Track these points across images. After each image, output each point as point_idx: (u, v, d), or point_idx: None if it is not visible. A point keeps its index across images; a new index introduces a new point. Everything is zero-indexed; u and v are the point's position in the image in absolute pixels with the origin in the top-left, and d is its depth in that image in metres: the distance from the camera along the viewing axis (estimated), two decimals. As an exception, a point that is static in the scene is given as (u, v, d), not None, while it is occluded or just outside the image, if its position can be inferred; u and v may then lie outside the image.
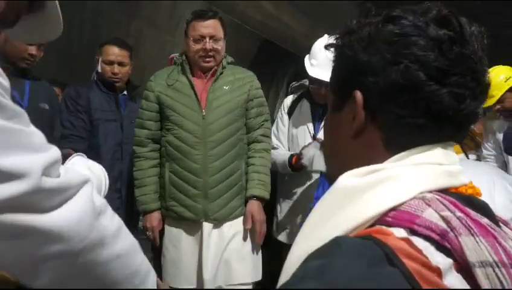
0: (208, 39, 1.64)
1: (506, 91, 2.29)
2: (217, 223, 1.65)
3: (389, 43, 0.47)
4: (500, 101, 2.30)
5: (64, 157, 0.80)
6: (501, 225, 0.46)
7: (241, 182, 1.68)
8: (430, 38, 0.46)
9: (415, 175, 0.44)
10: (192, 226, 1.65)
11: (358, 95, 0.48)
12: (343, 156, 0.52)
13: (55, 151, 0.52)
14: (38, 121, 1.99)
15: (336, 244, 0.39)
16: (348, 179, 0.45)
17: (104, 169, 0.90)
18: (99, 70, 1.98)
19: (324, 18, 4.40)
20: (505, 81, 2.29)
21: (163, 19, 4.01)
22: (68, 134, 1.82)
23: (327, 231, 0.43)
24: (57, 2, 0.65)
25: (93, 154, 1.84)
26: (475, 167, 1.54)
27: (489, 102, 2.24)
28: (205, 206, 1.62)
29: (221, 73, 1.71)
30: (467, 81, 0.46)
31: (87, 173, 0.79)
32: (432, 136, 0.47)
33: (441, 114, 0.46)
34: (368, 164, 0.46)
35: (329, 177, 0.57)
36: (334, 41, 0.53)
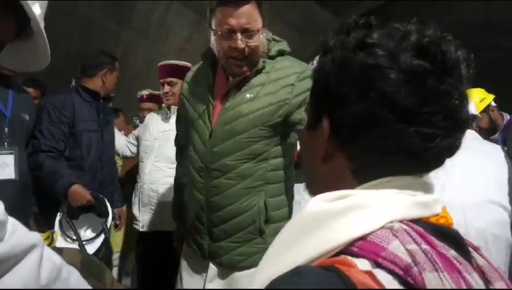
0: (238, 34, 1.16)
1: (481, 112, 2.52)
2: (224, 270, 1.29)
3: (359, 74, 0.45)
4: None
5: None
6: (471, 250, 0.45)
7: (256, 224, 1.25)
8: (402, 70, 0.43)
9: (384, 204, 0.43)
10: (201, 263, 1.34)
11: (326, 125, 0.48)
12: (315, 175, 0.52)
13: None
14: (19, 131, 1.92)
15: (298, 274, 0.39)
16: (317, 204, 0.44)
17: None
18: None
19: (313, 32, 4.47)
20: (480, 102, 2.55)
21: (153, 29, 4.02)
22: (48, 145, 1.76)
23: (292, 257, 0.42)
24: (44, 33, 0.64)
25: (75, 165, 1.83)
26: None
27: None
28: (210, 246, 1.29)
29: (258, 73, 1.24)
30: (438, 120, 0.44)
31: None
32: (403, 169, 0.46)
33: (412, 153, 0.44)
34: (336, 189, 0.45)
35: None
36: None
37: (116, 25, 3.74)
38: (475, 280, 0.40)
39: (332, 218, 0.42)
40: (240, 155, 1.22)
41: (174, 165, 1.70)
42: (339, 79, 0.47)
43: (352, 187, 0.46)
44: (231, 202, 1.24)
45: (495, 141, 2.36)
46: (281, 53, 1.27)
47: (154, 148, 2.21)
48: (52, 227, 1.70)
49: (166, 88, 2.20)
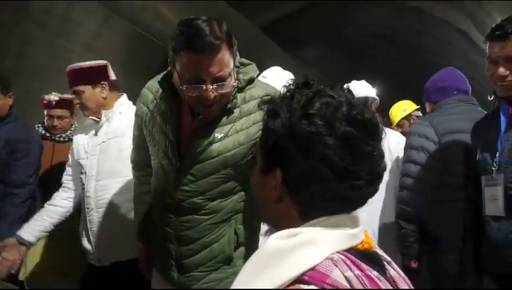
0: (209, 85, 1.06)
1: (402, 118, 3.40)
2: None
3: (305, 139, 0.57)
4: (398, 125, 3.39)
5: None
6: (385, 264, 0.61)
7: (225, 252, 1.24)
8: (338, 137, 0.56)
9: (326, 239, 0.56)
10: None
11: (279, 176, 0.60)
12: (268, 212, 0.65)
13: None
14: None
15: None
16: (273, 242, 0.55)
17: None
18: None
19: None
20: (402, 112, 3.40)
21: (56, 22, 3.67)
22: None
23: (256, 288, 0.52)
24: None
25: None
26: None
27: (392, 124, 3.34)
28: (179, 278, 1.26)
29: (228, 111, 1.17)
30: (364, 175, 0.57)
31: None
32: (338, 209, 0.59)
33: (346, 200, 0.58)
34: (285, 224, 0.58)
35: None
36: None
37: (12, 14, 3.32)
38: None
39: (287, 253, 0.54)
40: (211, 194, 1.21)
41: (122, 179, 1.60)
42: (289, 142, 0.58)
43: (298, 224, 0.58)
44: (203, 235, 1.23)
45: None
46: (250, 81, 1.20)
47: (94, 166, 1.83)
48: None
49: (76, 99, 1.87)
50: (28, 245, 1.79)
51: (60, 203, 1.90)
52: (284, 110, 0.60)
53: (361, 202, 0.61)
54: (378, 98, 2.57)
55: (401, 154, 2.15)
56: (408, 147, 1.85)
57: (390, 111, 3.52)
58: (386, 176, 1.90)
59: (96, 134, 1.87)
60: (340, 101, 0.58)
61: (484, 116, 1.62)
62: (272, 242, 0.55)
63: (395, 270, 0.62)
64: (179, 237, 1.24)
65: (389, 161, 2.27)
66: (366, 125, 0.58)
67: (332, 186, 0.57)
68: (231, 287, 0.55)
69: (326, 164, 0.56)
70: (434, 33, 5.54)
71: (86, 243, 1.86)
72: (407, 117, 3.37)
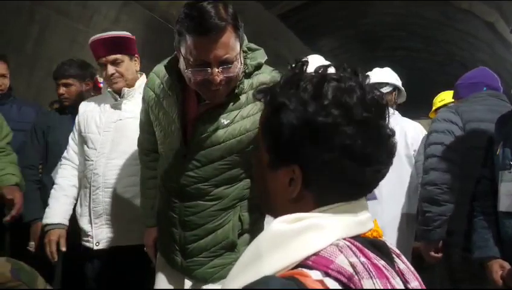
0: (214, 68, 1.05)
1: (439, 108, 3.14)
2: (196, 282, 1.28)
3: (322, 131, 0.54)
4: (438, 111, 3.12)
5: None
6: (394, 257, 0.58)
7: (229, 238, 1.24)
8: (357, 124, 0.54)
9: (332, 225, 0.54)
10: (176, 275, 1.32)
11: (297, 171, 0.56)
12: (275, 205, 0.61)
13: None
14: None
15: (264, 283, 0.48)
16: (278, 225, 0.54)
17: None
18: None
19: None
20: (439, 102, 3.15)
21: (75, 7, 3.70)
22: None
23: (259, 270, 0.51)
24: None
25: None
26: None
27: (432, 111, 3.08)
28: (183, 263, 1.27)
29: (235, 96, 1.16)
30: (384, 158, 0.57)
31: None
32: (349, 197, 0.58)
33: (363, 185, 0.58)
34: (296, 210, 0.56)
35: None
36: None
37: (32, 1, 3.36)
38: (398, 284, 0.53)
39: (291, 237, 0.52)
40: (216, 180, 1.20)
41: (135, 161, 1.55)
42: (306, 137, 0.55)
43: (309, 210, 0.56)
44: (207, 221, 1.22)
45: None
46: (258, 67, 1.18)
47: (107, 143, 1.72)
48: None
49: (111, 69, 1.71)
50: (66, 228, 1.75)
51: (74, 181, 1.81)
52: (294, 102, 0.56)
53: (375, 184, 0.59)
54: (403, 88, 2.41)
55: (417, 145, 2.14)
56: (433, 131, 1.82)
57: (437, 96, 3.37)
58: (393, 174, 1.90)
59: (112, 108, 1.77)
60: (351, 85, 0.55)
61: (510, 110, 1.57)
62: (276, 225, 0.54)
63: (404, 264, 0.59)
64: (183, 222, 1.24)
65: (404, 156, 2.21)
66: (379, 107, 0.56)
67: (352, 173, 0.55)
68: (233, 269, 0.54)
69: (347, 154, 0.54)
70: (457, 25, 5.38)
71: (84, 223, 1.74)
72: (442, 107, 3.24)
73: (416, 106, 4.74)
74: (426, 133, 2.19)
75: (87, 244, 1.74)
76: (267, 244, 0.53)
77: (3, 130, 1.87)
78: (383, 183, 0.60)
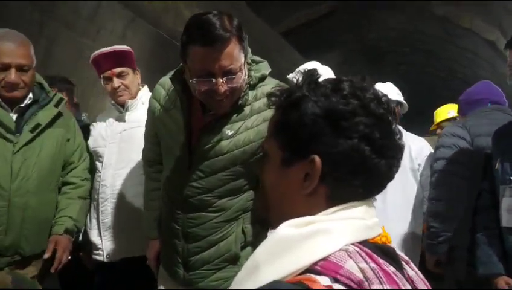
0: (219, 78, 1.07)
1: (445, 120, 3.14)
2: None
3: (344, 119, 0.55)
4: (439, 126, 3.13)
5: None
6: (404, 264, 0.58)
7: (232, 251, 1.24)
8: (374, 115, 0.56)
9: (341, 229, 0.53)
10: (177, 288, 1.33)
11: (318, 161, 0.56)
12: (287, 206, 0.60)
13: None
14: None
15: (273, 288, 0.48)
16: (286, 229, 0.53)
17: None
18: None
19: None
20: (448, 113, 3.15)
21: (82, 22, 3.78)
22: None
23: (267, 275, 0.50)
24: None
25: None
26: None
27: (434, 122, 3.12)
28: (185, 275, 1.27)
29: (239, 108, 1.17)
30: (396, 153, 0.58)
31: None
32: (361, 195, 0.58)
33: (376, 179, 0.58)
34: (306, 213, 0.55)
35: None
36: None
37: (39, 14, 3.44)
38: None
39: (299, 242, 0.51)
40: (219, 191, 1.21)
41: (141, 171, 1.54)
42: (328, 125, 0.56)
43: (320, 209, 0.56)
44: (210, 232, 1.23)
45: None
46: (262, 78, 1.20)
47: (113, 154, 1.72)
48: None
49: (117, 82, 1.74)
50: None
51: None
52: (316, 95, 0.58)
53: (386, 181, 0.59)
54: (405, 103, 2.46)
55: (423, 161, 2.13)
56: (441, 146, 1.82)
57: (436, 110, 3.36)
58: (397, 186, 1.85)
59: (117, 121, 1.80)
60: (365, 85, 0.59)
61: (507, 123, 1.57)
62: (283, 230, 0.53)
63: (413, 271, 0.58)
64: (186, 234, 1.24)
65: (409, 169, 2.20)
66: (390, 107, 0.59)
67: (369, 164, 0.56)
68: (239, 273, 0.53)
69: (366, 142, 0.55)
70: (459, 42, 5.42)
71: (94, 237, 1.74)
72: (449, 120, 3.18)
73: (420, 120, 4.74)
74: (430, 147, 2.19)
75: (98, 257, 1.75)
76: (274, 249, 0.52)
77: (82, 154, 1.68)
78: (388, 191, 0.61)
